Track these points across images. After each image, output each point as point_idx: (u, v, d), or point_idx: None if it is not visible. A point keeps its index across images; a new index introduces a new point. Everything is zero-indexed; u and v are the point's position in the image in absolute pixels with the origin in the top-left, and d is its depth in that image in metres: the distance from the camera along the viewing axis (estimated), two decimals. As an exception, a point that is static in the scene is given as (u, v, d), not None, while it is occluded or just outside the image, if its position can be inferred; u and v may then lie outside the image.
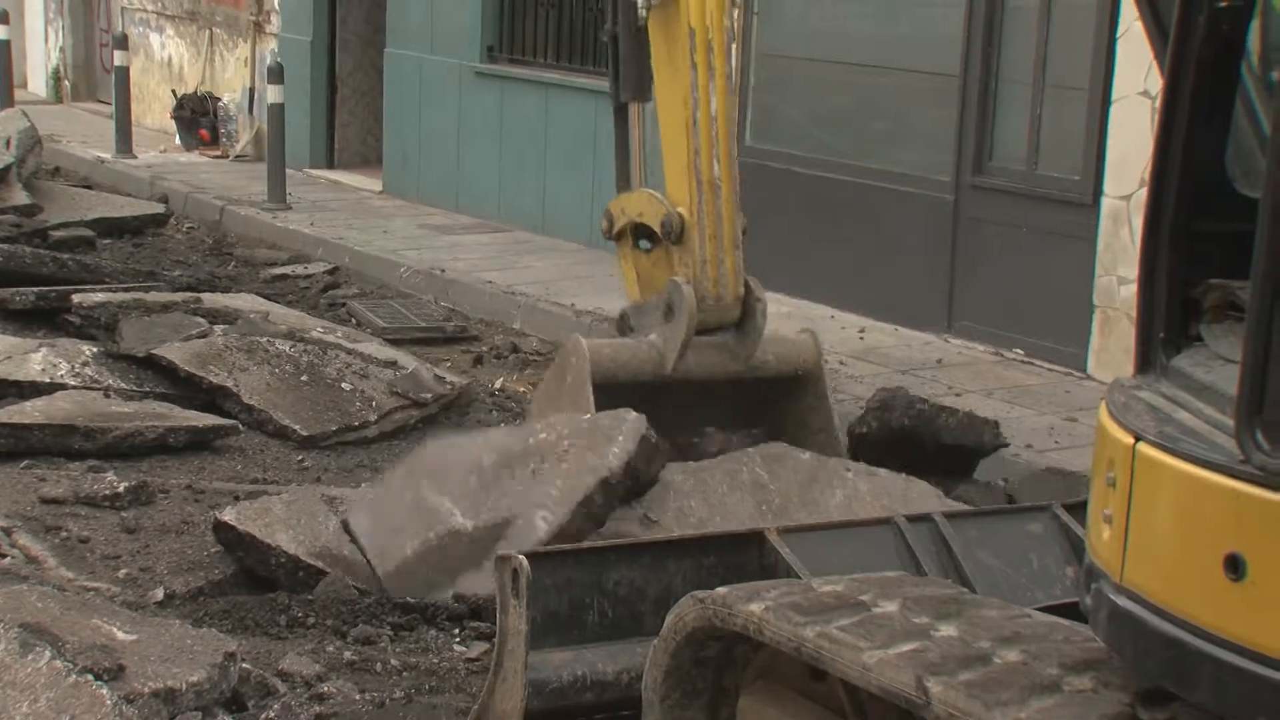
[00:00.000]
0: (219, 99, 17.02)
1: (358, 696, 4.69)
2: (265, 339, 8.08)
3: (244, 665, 4.66)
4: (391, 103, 14.62)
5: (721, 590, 3.47)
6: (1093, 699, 2.85)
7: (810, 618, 3.24)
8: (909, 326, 9.90)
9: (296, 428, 7.49)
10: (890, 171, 10.15)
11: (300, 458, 7.31)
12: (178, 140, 16.94)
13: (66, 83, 20.55)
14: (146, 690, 4.12)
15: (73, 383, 7.60)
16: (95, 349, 8.04)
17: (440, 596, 5.51)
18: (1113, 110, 8.76)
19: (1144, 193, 3.00)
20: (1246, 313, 2.58)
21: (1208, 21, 2.81)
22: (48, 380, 7.58)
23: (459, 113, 13.75)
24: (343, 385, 7.85)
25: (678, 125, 6.51)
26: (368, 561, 5.74)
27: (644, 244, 6.81)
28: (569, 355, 6.35)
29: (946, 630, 3.15)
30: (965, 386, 8.57)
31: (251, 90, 16.57)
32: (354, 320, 10.03)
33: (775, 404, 6.77)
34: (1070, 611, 3.46)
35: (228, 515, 5.77)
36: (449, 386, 8.21)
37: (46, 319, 9.05)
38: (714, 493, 5.86)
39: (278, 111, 13.82)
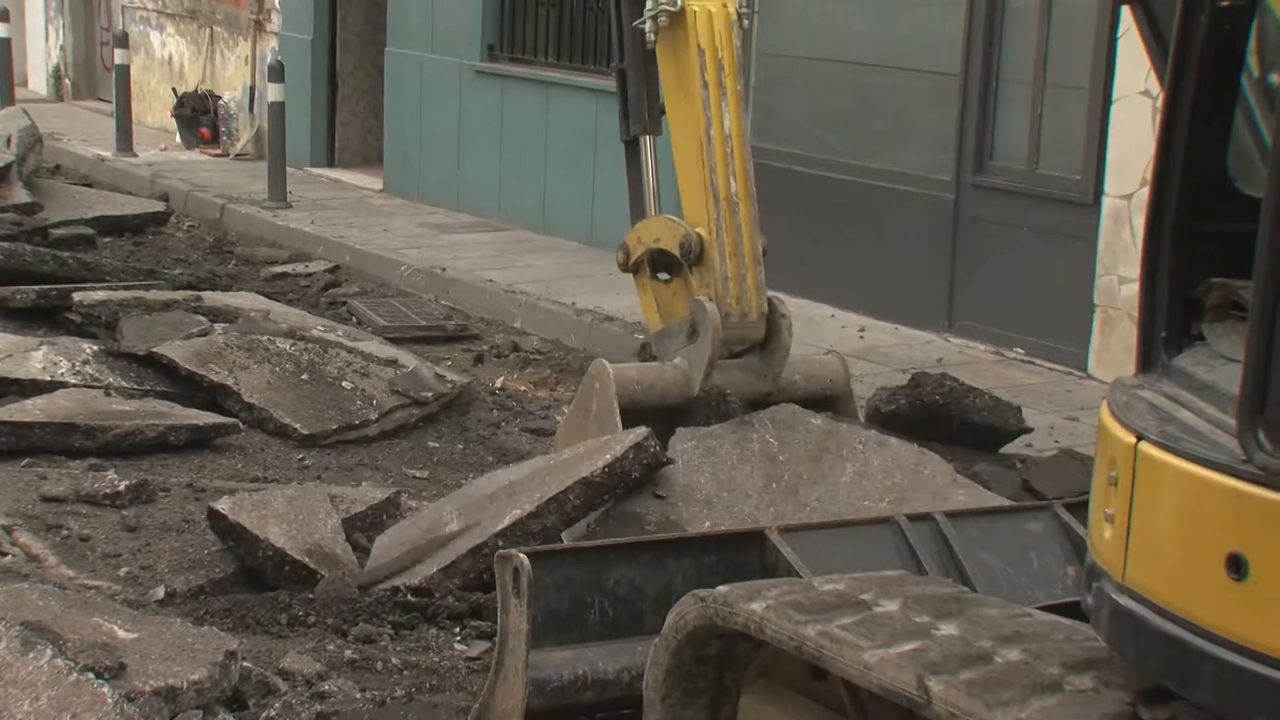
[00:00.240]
0: (220, 97, 17.02)
1: (358, 695, 4.69)
2: (266, 337, 8.08)
3: (245, 664, 4.66)
4: (392, 101, 14.63)
5: (722, 589, 3.47)
6: (1094, 698, 2.85)
7: (811, 617, 3.24)
8: (909, 325, 9.90)
9: (297, 426, 7.48)
10: (891, 171, 10.16)
11: (301, 456, 7.31)
12: (178, 138, 16.95)
13: (67, 81, 20.55)
14: (147, 688, 4.12)
15: (73, 381, 7.60)
16: (96, 347, 8.04)
17: (392, 584, 5.49)
18: (1113, 110, 8.77)
19: (1145, 192, 3.01)
20: (1249, 312, 2.58)
21: (1209, 21, 2.81)
22: (48, 378, 7.58)
23: (459, 111, 13.75)
24: (343, 384, 7.85)
25: (692, 145, 6.50)
26: (361, 566, 5.75)
27: (663, 276, 6.79)
28: (593, 381, 6.27)
29: (947, 629, 3.15)
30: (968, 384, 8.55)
31: (252, 89, 16.57)
32: (354, 319, 10.03)
33: None
34: (1071, 611, 3.46)
35: (222, 504, 5.78)
36: (450, 385, 8.21)
37: (47, 317, 9.04)
38: (723, 464, 5.81)
39: (278, 110, 13.83)
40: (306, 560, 5.63)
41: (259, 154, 15.58)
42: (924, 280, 9.91)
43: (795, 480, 5.79)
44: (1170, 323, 2.97)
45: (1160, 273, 2.96)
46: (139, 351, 7.92)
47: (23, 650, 4.14)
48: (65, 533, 5.99)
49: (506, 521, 5.44)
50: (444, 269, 11.27)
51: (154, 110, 18.16)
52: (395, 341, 9.12)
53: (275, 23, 16.31)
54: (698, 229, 6.46)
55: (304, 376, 7.85)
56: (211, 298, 9.08)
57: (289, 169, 13.91)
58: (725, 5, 6.57)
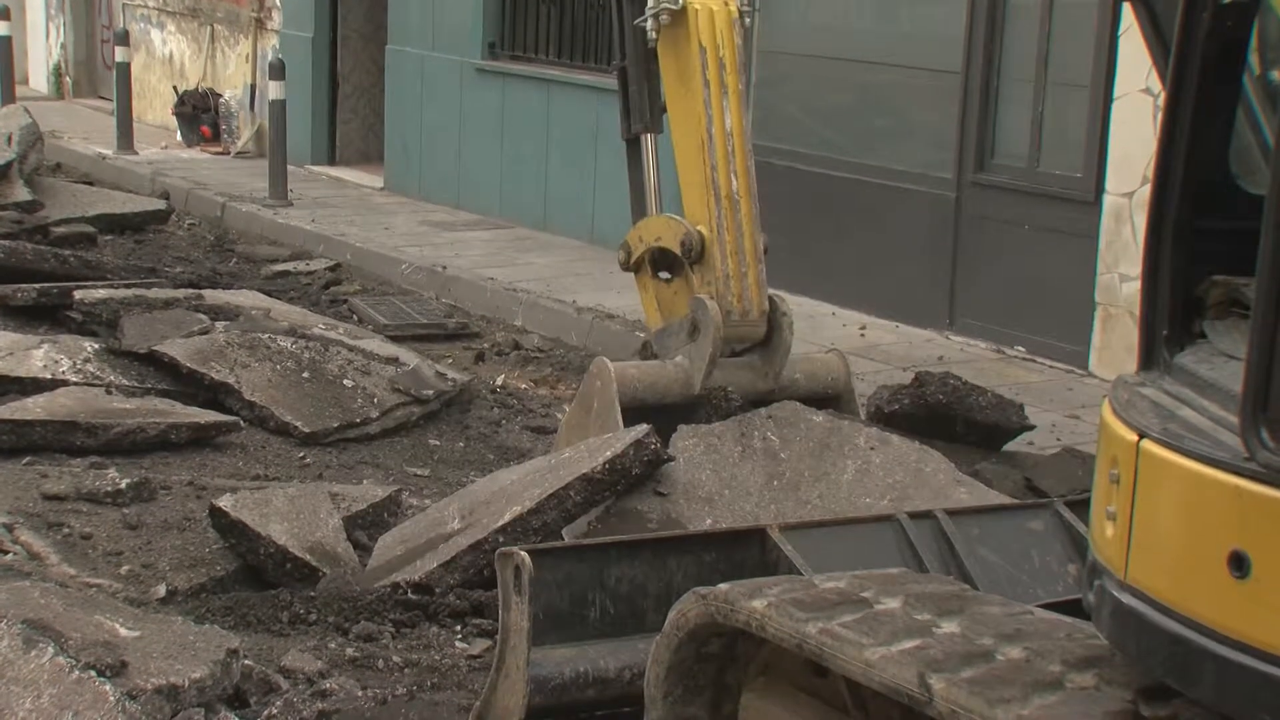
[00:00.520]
0: (220, 95, 17.03)
1: (360, 693, 4.69)
2: (267, 336, 8.08)
3: (246, 662, 4.67)
4: (393, 99, 14.63)
5: (724, 586, 3.47)
6: (1095, 696, 2.85)
7: (812, 614, 3.23)
8: (910, 324, 9.90)
9: (298, 424, 7.48)
10: (892, 169, 10.15)
11: (302, 454, 7.31)
12: (179, 136, 16.95)
13: (68, 79, 20.55)
14: (149, 686, 4.12)
15: (74, 379, 7.60)
16: (97, 345, 8.04)
17: (392, 580, 5.49)
18: (1115, 107, 8.77)
19: (1146, 190, 3.01)
20: (1251, 310, 2.58)
21: (1212, 18, 2.81)
22: (49, 377, 7.58)
23: (460, 109, 13.75)
24: (344, 382, 7.85)
25: (693, 143, 6.50)
26: (362, 564, 5.75)
27: (664, 275, 6.79)
28: (594, 379, 6.27)
29: (949, 627, 3.15)
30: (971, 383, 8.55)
31: (253, 87, 16.58)
32: (355, 317, 10.03)
33: None
34: (1072, 609, 3.46)
35: (224, 502, 5.78)
36: (451, 383, 8.21)
37: (48, 315, 9.04)
38: (725, 462, 5.81)
39: (279, 108, 13.83)
40: (308, 558, 5.64)
41: (260, 152, 15.59)
42: (925, 278, 9.91)
43: (797, 478, 5.79)
44: (1172, 320, 2.97)
45: (1162, 270, 2.96)
46: (140, 349, 7.92)
47: (24, 648, 4.14)
48: (66, 531, 5.98)
49: (507, 518, 5.44)
50: (445, 267, 11.27)
51: (155, 108, 18.16)
52: (396, 339, 9.12)
53: (276, 21, 16.32)
54: (699, 227, 6.46)
55: (305, 375, 7.85)
56: (212, 296, 9.08)
57: (290, 167, 13.91)
58: (727, 3, 6.57)
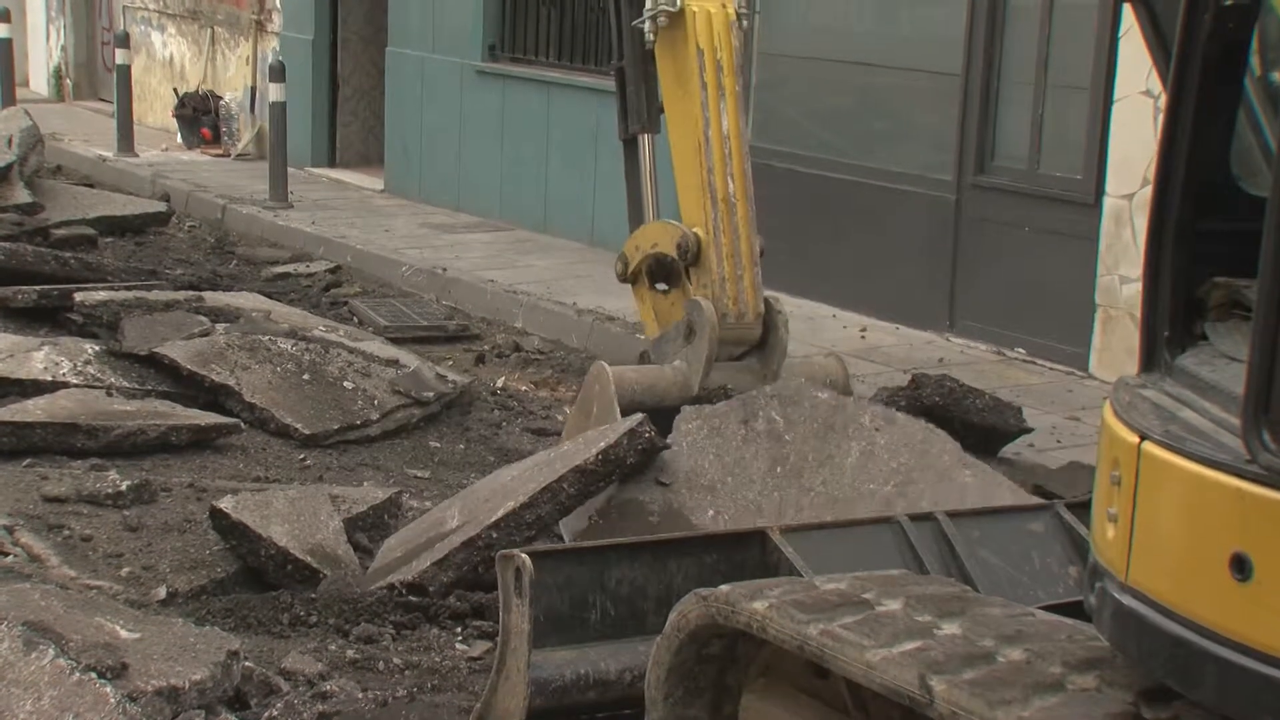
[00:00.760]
0: (221, 98, 17.03)
1: (360, 695, 4.69)
2: (267, 338, 8.08)
3: (247, 664, 4.66)
4: (393, 101, 14.63)
5: (724, 588, 3.47)
6: (1096, 698, 2.85)
7: (813, 616, 3.23)
8: (911, 326, 9.90)
9: (298, 426, 7.48)
10: (892, 171, 10.16)
11: (302, 456, 7.30)
12: (179, 139, 16.96)
13: (68, 81, 20.55)
14: (149, 688, 4.12)
15: (75, 381, 7.60)
16: (97, 347, 8.04)
17: (388, 581, 5.49)
18: (1115, 109, 8.77)
19: (1146, 192, 3.01)
20: (1253, 312, 2.58)
21: (1214, 20, 2.81)
22: (50, 379, 7.58)
23: (460, 111, 13.75)
24: (345, 384, 7.85)
25: (690, 146, 6.50)
26: (364, 567, 5.74)
27: (661, 286, 6.79)
28: (593, 383, 6.27)
29: (950, 629, 3.15)
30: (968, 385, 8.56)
31: (253, 89, 16.58)
32: (356, 319, 10.03)
33: None
34: (1073, 611, 3.46)
35: (225, 503, 5.78)
36: (451, 385, 8.21)
37: (48, 317, 9.04)
38: (728, 446, 5.79)
39: (279, 110, 13.83)
40: (309, 560, 5.63)
41: (260, 154, 15.59)
42: (925, 280, 9.91)
43: (800, 463, 5.77)
44: (1173, 322, 2.97)
45: (1163, 272, 2.96)
46: (140, 352, 7.92)
47: (25, 650, 4.14)
48: (67, 533, 5.98)
49: (500, 513, 5.43)
50: (445, 269, 11.27)
51: (155, 110, 18.17)
52: (396, 342, 9.12)
53: (276, 23, 16.32)
54: (695, 229, 6.46)
55: (305, 377, 7.85)
56: (213, 298, 9.08)
57: (290, 169, 13.91)
58: (725, 6, 6.57)
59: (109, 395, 7.47)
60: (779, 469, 5.75)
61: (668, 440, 5.76)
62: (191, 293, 9.21)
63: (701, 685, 3.66)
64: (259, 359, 7.87)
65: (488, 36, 13.50)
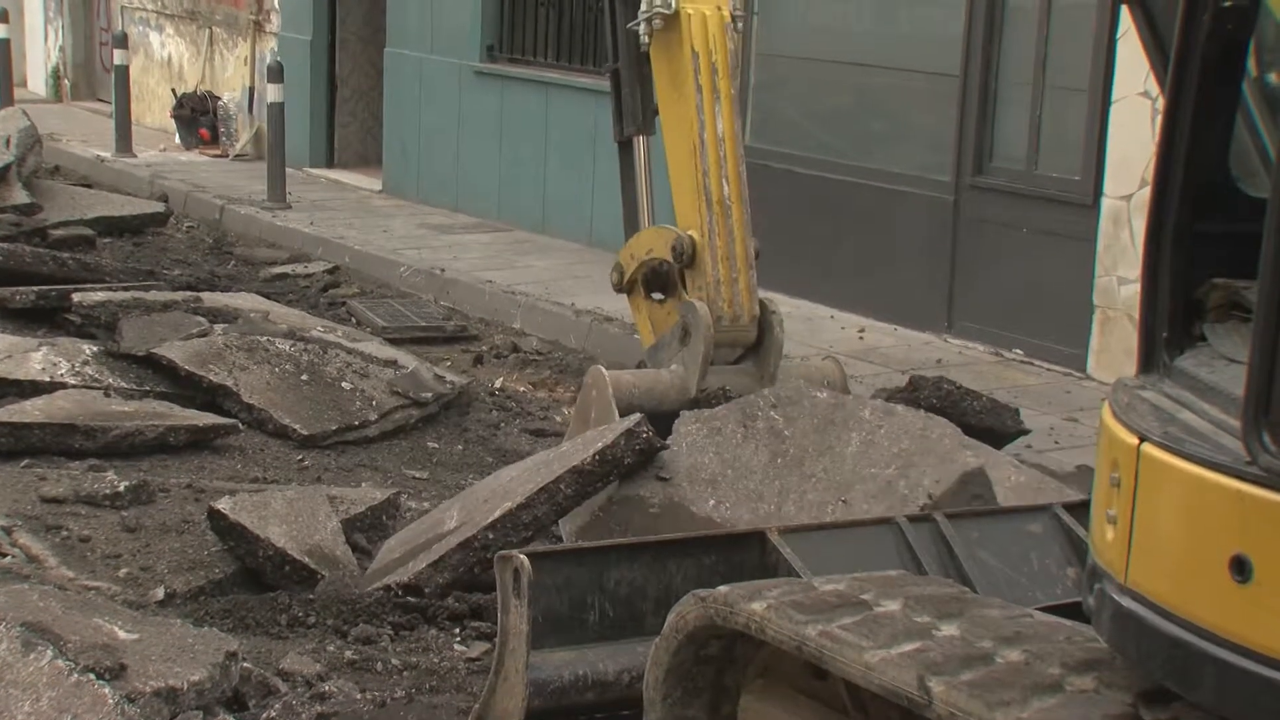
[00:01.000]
0: (219, 98, 17.03)
1: (358, 696, 4.69)
2: (265, 338, 8.07)
3: (245, 664, 4.66)
4: (391, 102, 14.63)
5: (723, 589, 3.47)
6: (1095, 699, 2.85)
7: (812, 617, 3.23)
8: (909, 327, 9.90)
9: (297, 427, 7.48)
10: (890, 171, 10.16)
11: (300, 457, 7.30)
12: (177, 139, 16.95)
13: (66, 81, 20.55)
14: (148, 689, 4.12)
15: (73, 382, 7.59)
16: (95, 348, 8.04)
17: (384, 582, 5.49)
18: (1113, 110, 8.77)
19: (1144, 193, 3.01)
20: (1254, 313, 2.57)
21: (1212, 20, 2.81)
22: (48, 379, 7.58)
23: (459, 112, 13.75)
24: (343, 384, 7.84)
25: (685, 148, 6.50)
26: (362, 567, 5.74)
27: (656, 296, 6.79)
28: (590, 388, 6.27)
29: (948, 630, 3.15)
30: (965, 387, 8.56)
31: (251, 89, 16.58)
32: (354, 319, 10.03)
33: None
34: (1072, 612, 3.46)
35: (222, 504, 5.78)
36: (449, 386, 8.21)
37: (46, 318, 9.04)
38: (728, 443, 5.79)
39: (277, 111, 13.83)
40: (307, 560, 5.63)
41: (258, 155, 15.58)
42: (923, 281, 9.91)
43: (801, 454, 5.77)
44: (1172, 323, 2.97)
45: (1162, 273, 2.96)
46: (138, 352, 7.91)
47: (23, 651, 4.14)
48: (65, 534, 5.98)
49: (496, 514, 5.42)
50: (443, 270, 11.27)
51: (153, 111, 18.16)
52: (395, 342, 9.12)
53: (274, 23, 16.32)
54: (690, 232, 6.46)
55: (303, 377, 7.85)
56: (211, 298, 9.07)
57: (288, 170, 13.91)
58: (719, 8, 6.57)
59: (107, 396, 7.46)
60: (779, 460, 5.75)
61: (667, 443, 5.75)
62: (189, 293, 9.21)
63: (700, 686, 3.66)
64: (257, 360, 7.87)
65: (486, 37, 13.50)
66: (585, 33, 12.60)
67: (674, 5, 6.47)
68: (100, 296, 8.86)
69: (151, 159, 15.84)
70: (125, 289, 9.19)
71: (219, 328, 8.28)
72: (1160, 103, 3.00)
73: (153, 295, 8.94)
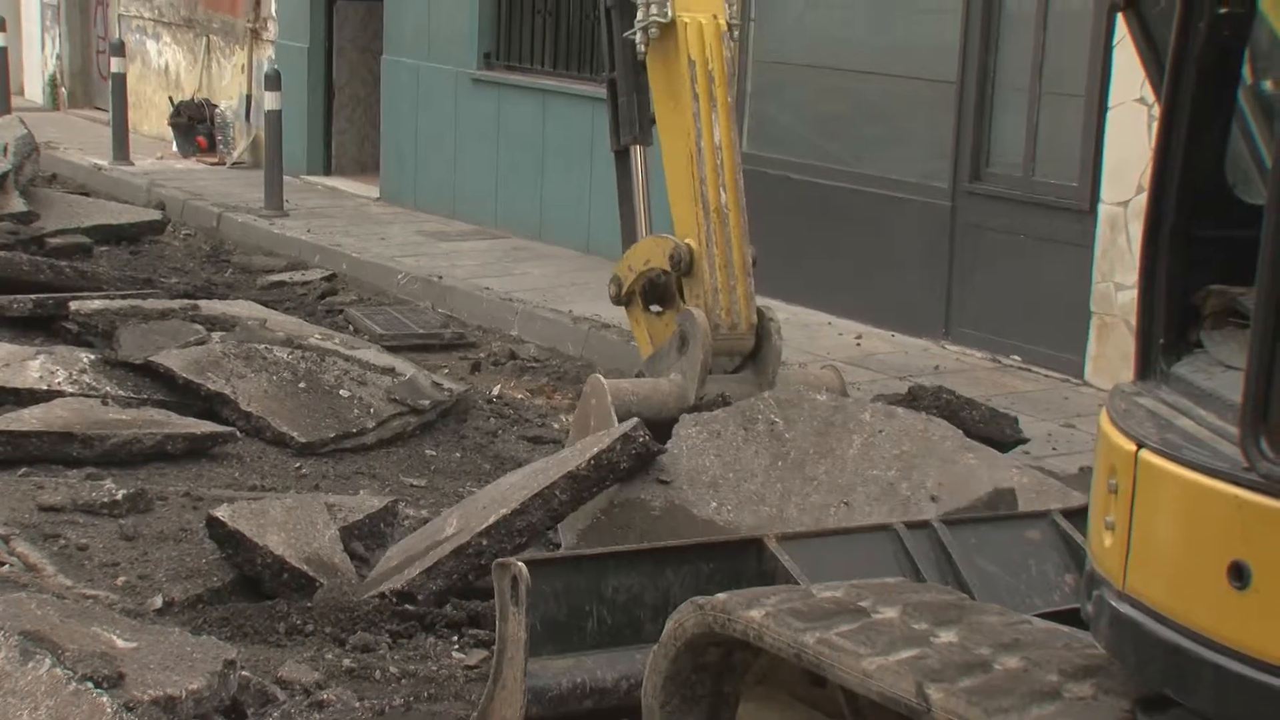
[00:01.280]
0: (216, 106, 17.03)
1: (357, 704, 4.69)
2: (263, 346, 8.07)
3: (243, 673, 4.66)
4: (389, 109, 14.63)
5: (721, 596, 3.47)
6: (1093, 705, 2.85)
7: (810, 624, 3.23)
8: (906, 333, 9.90)
9: (294, 435, 7.48)
10: (887, 178, 10.16)
11: (298, 465, 7.30)
12: (175, 147, 16.95)
13: (63, 90, 20.54)
14: (146, 698, 4.12)
15: (70, 390, 7.59)
16: (93, 356, 8.03)
17: (379, 590, 5.49)
18: (1109, 117, 8.77)
19: (1141, 199, 3.02)
20: (1251, 320, 2.57)
21: (1207, 28, 2.81)
22: (45, 388, 7.57)
23: (456, 119, 13.75)
24: (341, 392, 7.84)
25: (682, 157, 6.51)
26: (360, 575, 5.74)
27: (655, 308, 6.79)
28: (589, 397, 6.27)
29: (946, 637, 3.15)
30: (962, 393, 8.55)
31: (249, 97, 16.58)
32: (351, 327, 10.02)
33: None
34: (1070, 618, 3.46)
35: (221, 512, 5.77)
36: (447, 393, 8.21)
37: (44, 326, 9.04)
38: (729, 446, 5.79)
39: (275, 118, 13.83)
40: (305, 568, 5.63)
41: (255, 162, 15.59)
42: (921, 287, 9.91)
43: (802, 456, 5.77)
44: (1169, 329, 2.97)
45: (1158, 279, 2.96)
46: (136, 360, 7.91)
47: (22, 660, 4.13)
48: (63, 542, 5.97)
49: (490, 520, 5.42)
50: (441, 277, 11.27)
51: (150, 119, 18.16)
52: (392, 349, 9.12)
53: (272, 31, 16.32)
54: (687, 240, 6.47)
55: (301, 385, 7.84)
56: (208, 306, 9.07)
57: (285, 177, 13.91)
58: (716, 17, 6.58)
59: (104, 404, 7.46)
60: (780, 463, 5.75)
61: (667, 446, 5.75)
62: (187, 301, 9.21)
63: (698, 693, 3.66)
64: (255, 367, 7.87)
65: (483, 44, 13.51)
66: (582, 40, 12.61)
67: (670, 14, 6.48)
68: (98, 304, 8.85)
69: (149, 167, 15.84)
70: (123, 297, 9.18)
71: (216, 336, 8.28)
72: (1156, 109, 3.00)
73: (150, 303, 8.93)
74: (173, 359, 7.85)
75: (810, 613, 3.29)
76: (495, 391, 8.90)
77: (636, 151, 7.00)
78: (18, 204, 11.87)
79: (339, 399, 7.79)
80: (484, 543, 5.35)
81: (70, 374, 7.74)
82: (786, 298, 10.15)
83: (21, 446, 6.88)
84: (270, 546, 5.65)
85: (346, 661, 5.05)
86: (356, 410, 7.74)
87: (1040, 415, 8.20)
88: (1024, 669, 2.97)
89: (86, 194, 14.15)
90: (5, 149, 12.35)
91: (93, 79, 20.43)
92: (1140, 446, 2.76)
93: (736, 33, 6.73)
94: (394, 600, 5.38)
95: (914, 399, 7.07)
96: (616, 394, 6.19)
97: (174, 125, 16.98)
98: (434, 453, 7.72)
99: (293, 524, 5.82)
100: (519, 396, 8.89)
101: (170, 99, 17.42)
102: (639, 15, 6.57)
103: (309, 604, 5.44)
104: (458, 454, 7.74)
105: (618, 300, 6.90)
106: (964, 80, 9.64)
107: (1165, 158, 2.92)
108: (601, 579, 4.48)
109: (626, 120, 6.97)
